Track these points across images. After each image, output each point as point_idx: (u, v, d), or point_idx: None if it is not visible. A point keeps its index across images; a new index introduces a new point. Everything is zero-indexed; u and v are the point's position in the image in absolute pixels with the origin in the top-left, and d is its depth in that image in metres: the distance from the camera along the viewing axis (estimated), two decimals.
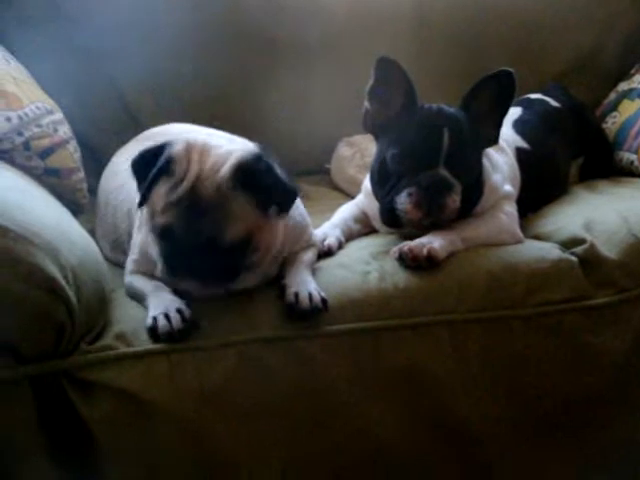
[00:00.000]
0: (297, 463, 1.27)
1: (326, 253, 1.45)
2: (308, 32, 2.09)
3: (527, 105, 1.88)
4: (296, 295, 1.24)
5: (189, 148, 1.22)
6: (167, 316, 1.19)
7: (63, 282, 1.11)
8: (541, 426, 1.39)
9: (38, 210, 1.25)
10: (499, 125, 1.49)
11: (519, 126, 1.76)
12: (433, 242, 1.36)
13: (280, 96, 2.05)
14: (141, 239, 1.34)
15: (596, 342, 1.37)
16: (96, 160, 1.85)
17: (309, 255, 1.38)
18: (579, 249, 1.43)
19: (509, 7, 2.20)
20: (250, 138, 1.34)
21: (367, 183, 1.55)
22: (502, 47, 2.18)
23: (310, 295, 1.24)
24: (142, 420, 1.17)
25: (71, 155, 1.57)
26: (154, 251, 1.26)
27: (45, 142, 1.50)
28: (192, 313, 1.21)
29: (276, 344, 1.23)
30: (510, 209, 1.54)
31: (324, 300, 1.24)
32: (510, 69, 1.43)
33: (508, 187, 1.57)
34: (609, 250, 1.42)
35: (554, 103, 1.93)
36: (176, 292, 1.26)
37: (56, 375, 1.14)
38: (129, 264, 1.37)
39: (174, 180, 1.20)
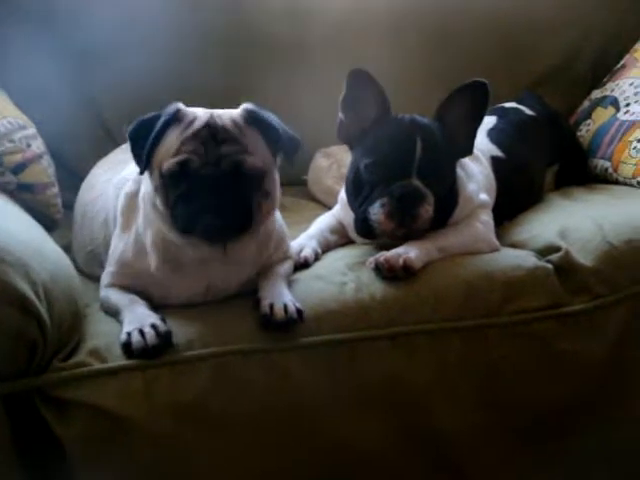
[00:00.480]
0: (275, 477, 1.26)
1: (302, 265, 1.45)
2: (285, 40, 2.09)
3: (502, 114, 1.89)
4: (271, 306, 1.23)
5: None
6: (141, 332, 1.18)
7: (34, 299, 1.10)
8: (521, 435, 1.39)
9: (9, 226, 1.24)
10: (473, 135, 1.50)
11: (494, 135, 1.77)
12: (409, 252, 1.36)
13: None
14: (123, 246, 1.33)
15: (572, 349, 1.37)
16: (72, 175, 1.85)
17: (285, 267, 1.38)
18: (554, 257, 1.44)
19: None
20: None
21: (343, 194, 1.56)
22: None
23: (285, 306, 1.23)
24: (117, 437, 1.16)
25: (45, 170, 1.56)
26: (161, 207, 1.25)
27: (18, 157, 1.49)
28: (167, 328, 1.20)
29: (252, 356, 1.22)
30: (486, 218, 1.55)
31: (300, 311, 1.24)
32: (484, 80, 1.44)
33: (484, 196, 1.58)
34: (584, 257, 1.43)
35: (528, 112, 1.95)
36: (153, 306, 1.26)
37: (29, 393, 1.13)
38: (105, 277, 1.36)
39: (186, 122, 1.24)
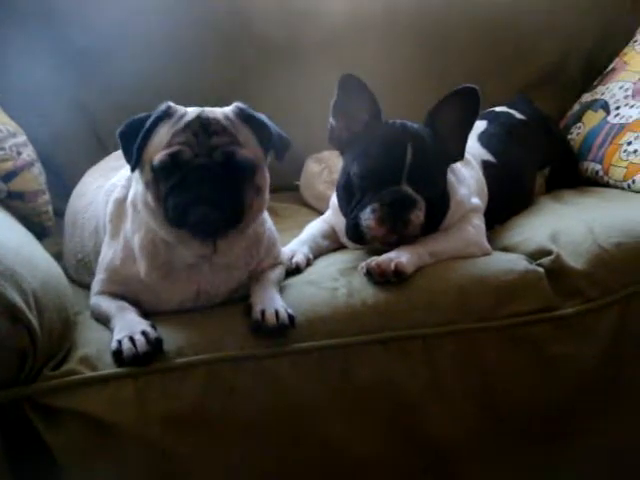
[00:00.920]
0: None
1: (294, 270, 1.44)
2: (274, 42, 2.09)
3: (492, 118, 1.89)
4: (262, 312, 1.23)
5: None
6: (132, 339, 1.18)
7: (25, 307, 1.10)
8: (515, 438, 1.39)
9: None
10: (464, 141, 1.50)
11: (485, 139, 1.78)
12: (401, 257, 1.36)
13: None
14: (112, 253, 1.33)
15: (565, 352, 1.38)
16: (63, 183, 1.84)
17: (276, 273, 1.38)
18: (546, 260, 1.44)
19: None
20: None
21: (335, 199, 1.55)
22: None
23: (277, 312, 1.23)
24: (108, 445, 1.15)
25: (36, 178, 1.55)
26: (152, 203, 1.24)
27: (8, 165, 1.48)
28: (157, 334, 1.19)
29: (243, 363, 1.22)
30: (477, 222, 1.55)
31: (291, 317, 1.24)
32: (474, 85, 1.45)
33: (475, 200, 1.58)
34: (575, 260, 1.43)
35: (519, 116, 1.95)
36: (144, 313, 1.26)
37: (19, 402, 1.12)
38: (95, 285, 1.35)
39: (176, 116, 1.24)
